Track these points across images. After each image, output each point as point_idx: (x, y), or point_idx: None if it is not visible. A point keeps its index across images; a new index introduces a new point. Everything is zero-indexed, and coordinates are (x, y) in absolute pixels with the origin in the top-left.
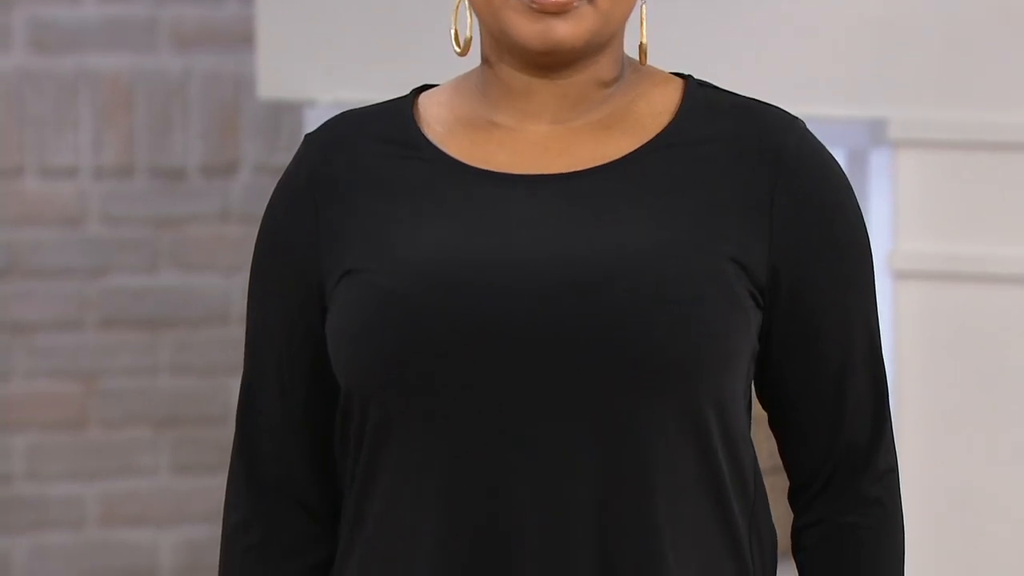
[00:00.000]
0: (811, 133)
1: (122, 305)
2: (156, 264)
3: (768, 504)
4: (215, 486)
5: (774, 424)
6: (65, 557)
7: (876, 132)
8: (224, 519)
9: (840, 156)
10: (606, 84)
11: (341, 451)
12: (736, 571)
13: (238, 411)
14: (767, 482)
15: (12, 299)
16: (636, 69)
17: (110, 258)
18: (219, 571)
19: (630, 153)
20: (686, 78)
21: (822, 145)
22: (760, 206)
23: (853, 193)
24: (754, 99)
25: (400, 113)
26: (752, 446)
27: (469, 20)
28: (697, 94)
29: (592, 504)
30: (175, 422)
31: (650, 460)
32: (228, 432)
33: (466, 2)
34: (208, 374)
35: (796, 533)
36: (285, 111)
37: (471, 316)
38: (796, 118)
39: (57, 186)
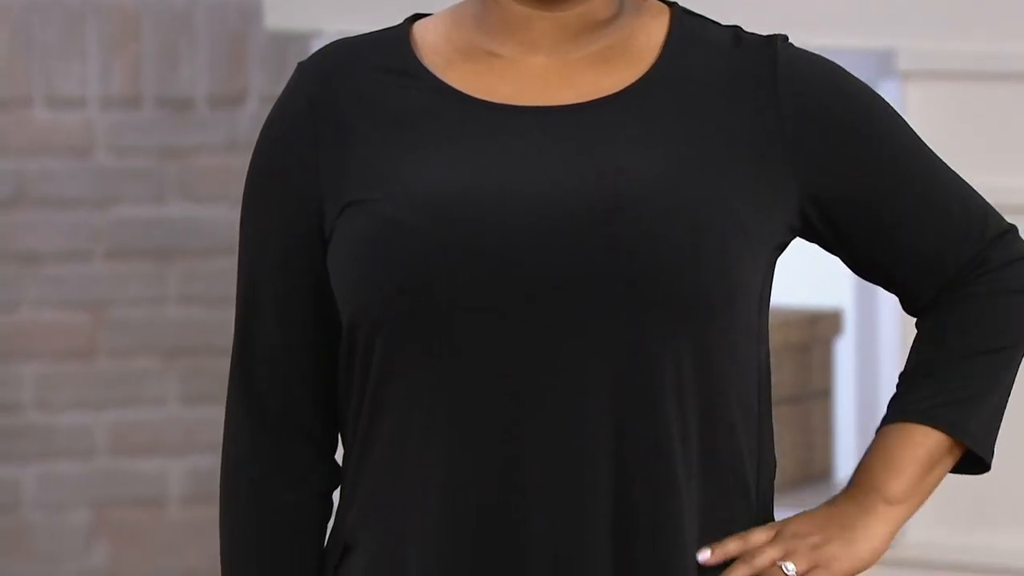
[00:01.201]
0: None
1: (130, 235)
2: (163, 194)
3: (772, 433)
4: (223, 416)
5: (884, 286)
6: (74, 486)
7: (884, 64)
8: (224, 451)
9: None
10: (605, 17)
11: (345, 389)
12: (740, 494)
13: (235, 342)
14: (776, 412)
15: (21, 229)
16: (635, 2)
17: (118, 188)
18: (220, 504)
19: (632, 85)
20: (672, 6)
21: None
22: (769, 122)
23: (846, 70)
24: (733, 25)
25: (396, 42)
26: (764, 371)
27: None
28: (684, 23)
29: (607, 439)
30: (183, 352)
31: (662, 388)
32: None
33: None
34: (216, 304)
35: (933, 309)
36: (292, 41)
37: (479, 248)
38: (776, 34)
39: (64, 116)
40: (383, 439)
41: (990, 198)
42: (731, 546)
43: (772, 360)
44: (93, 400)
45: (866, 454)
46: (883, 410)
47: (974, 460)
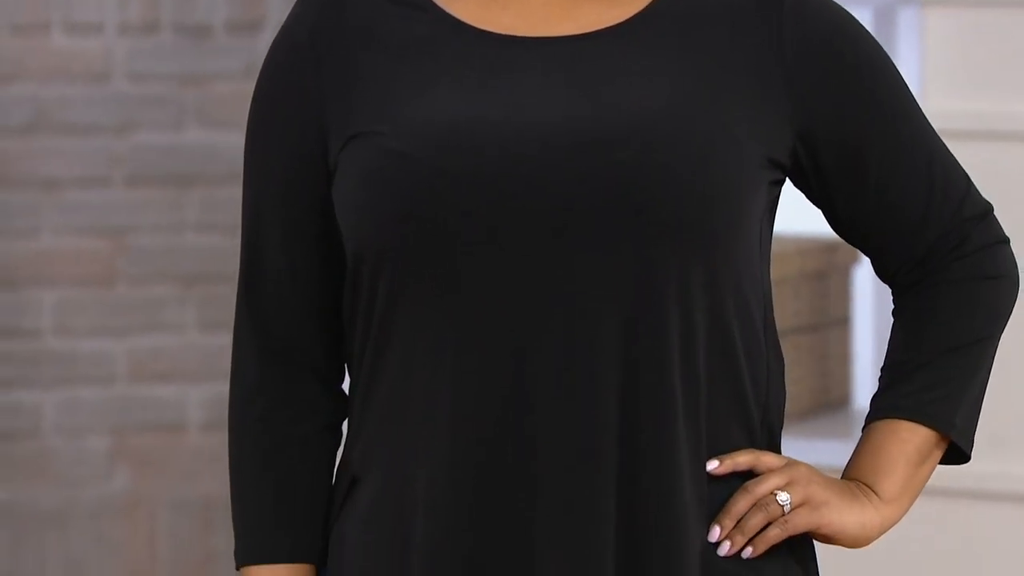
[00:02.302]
0: None
1: (149, 162)
2: (182, 121)
3: (782, 368)
4: None
5: (859, 247)
6: (94, 412)
7: None
8: (232, 385)
9: (867, 14)
10: None
11: (350, 324)
12: (743, 426)
13: (240, 272)
14: (790, 341)
15: (39, 155)
16: None
17: (136, 115)
18: (229, 437)
19: (634, 16)
20: None
21: None
22: (770, 57)
23: (855, 18)
24: None
25: None
26: (767, 306)
27: None
28: None
29: (612, 370)
30: (202, 279)
31: (667, 320)
32: None
33: None
34: (235, 232)
35: (913, 288)
36: None
37: (483, 178)
38: None
39: (82, 42)
40: (389, 373)
41: (1010, 125)
42: (741, 458)
43: (790, 289)
44: (112, 327)
45: (856, 453)
46: None
47: (956, 451)
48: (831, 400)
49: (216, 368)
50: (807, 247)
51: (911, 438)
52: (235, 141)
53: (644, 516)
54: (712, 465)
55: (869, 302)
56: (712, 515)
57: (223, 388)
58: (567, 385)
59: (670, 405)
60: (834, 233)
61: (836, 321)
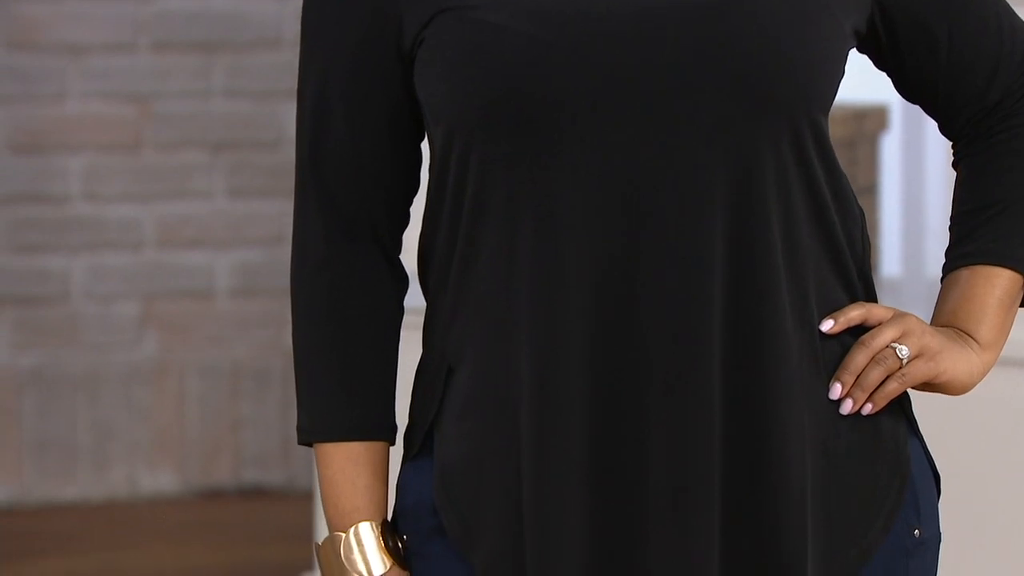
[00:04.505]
0: None
1: (175, 28)
2: None
3: (864, 216)
4: (269, 210)
5: (925, 107)
6: (123, 277)
7: None
8: (296, 264)
9: None
10: None
11: (436, 209)
12: (842, 278)
13: (303, 150)
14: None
15: (65, 20)
16: None
17: None
18: (295, 312)
19: None
20: None
21: None
22: None
23: None
24: None
25: None
26: (838, 164)
27: None
28: None
29: (720, 234)
30: (229, 146)
31: (764, 182)
32: (281, 157)
33: None
34: (261, 98)
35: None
36: None
37: (584, 48)
38: None
39: None
40: (486, 254)
41: None
42: (853, 313)
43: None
44: (140, 193)
45: (944, 301)
46: (929, 207)
47: None
48: None
49: (244, 235)
50: (835, 114)
51: (1000, 283)
52: (262, 7)
53: (751, 373)
54: (827, 325)
55: (897, 171)
56: (828, 373)
57: (251, 255)
58: (674, 254)
59: (774, 263)
60: (862, 100)
61: (864, 190)
